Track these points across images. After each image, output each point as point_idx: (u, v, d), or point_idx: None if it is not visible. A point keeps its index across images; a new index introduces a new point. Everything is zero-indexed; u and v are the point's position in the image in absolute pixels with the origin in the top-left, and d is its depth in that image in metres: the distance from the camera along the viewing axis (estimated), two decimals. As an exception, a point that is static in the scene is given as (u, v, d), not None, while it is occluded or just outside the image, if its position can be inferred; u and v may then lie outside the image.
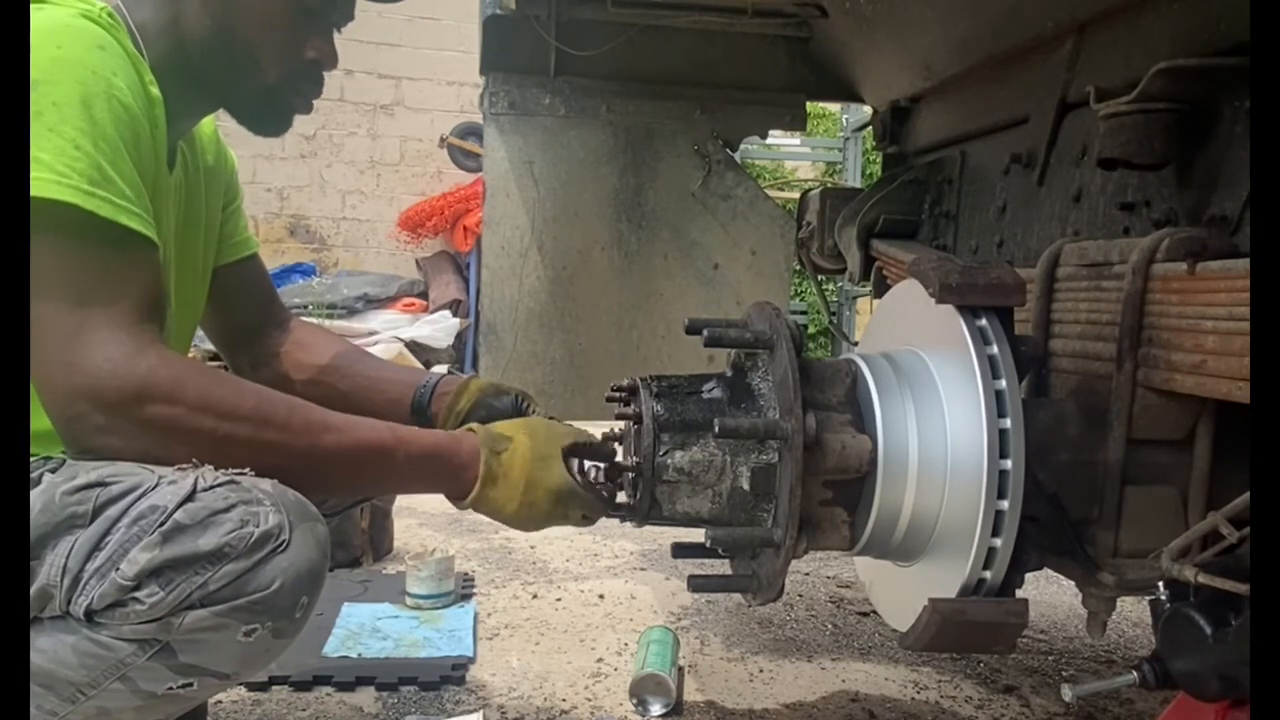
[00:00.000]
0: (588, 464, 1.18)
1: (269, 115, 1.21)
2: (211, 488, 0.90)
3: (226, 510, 0.89)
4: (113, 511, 0.88)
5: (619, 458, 1.20)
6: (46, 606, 0.89)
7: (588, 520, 1.17)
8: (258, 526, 0.89)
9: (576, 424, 1.34)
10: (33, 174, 0.87)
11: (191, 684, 0.93)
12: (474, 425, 1.15)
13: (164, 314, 1.00)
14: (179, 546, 0.87)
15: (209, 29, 1.12)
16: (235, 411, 0.95)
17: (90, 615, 0.88)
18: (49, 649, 0.89)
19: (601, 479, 1.18)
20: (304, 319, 1.51)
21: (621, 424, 1.21)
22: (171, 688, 0.92)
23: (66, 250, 0.91)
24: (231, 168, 1.40)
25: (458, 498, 1.11)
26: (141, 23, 1.10)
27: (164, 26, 1.11)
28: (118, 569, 0.86)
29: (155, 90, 1.04)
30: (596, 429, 1.31)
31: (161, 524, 0.87)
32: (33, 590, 0.88)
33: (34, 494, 0.90)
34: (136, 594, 0.86)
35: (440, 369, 5.60)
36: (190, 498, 0.88)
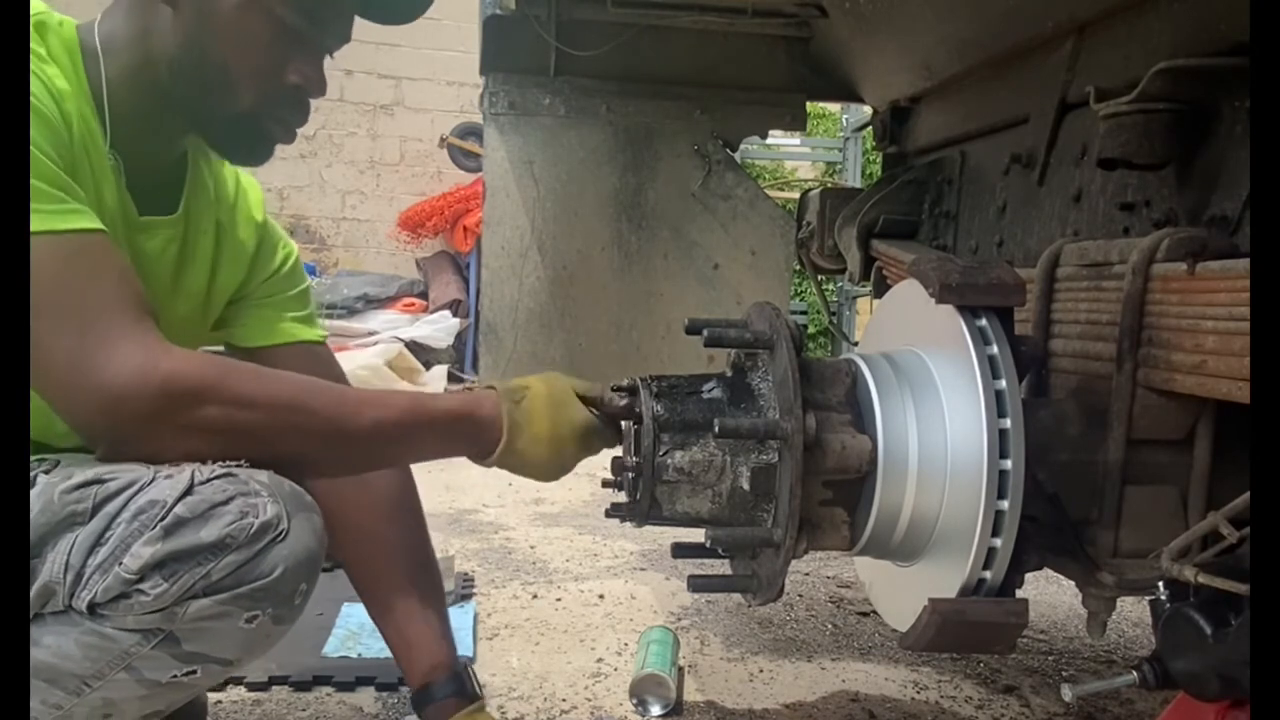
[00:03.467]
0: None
1: (244, 143, 1.13)
2: (209, 480, 0.90)
3: (226, 502, 0.89)
4: (111, 507, 0.89)
5: (621, 401, 1.18)
6: (49, 603, 0.90)
7: (606, 444, 1.17)
8: (257, 517, 0.90)
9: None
10: None
11: (195, 671, 0.94)
12: (494, 382, 1.15)
13: (144, 296, 0.97)
14: (181, 539, 0.88)
15: (179, 45, 1.04)
16: (264, 401, 0.96)
17: (93, 608, 0.89)
18: (52, 644, 0.90)
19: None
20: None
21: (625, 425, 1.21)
22: (175, 675, 0.93)
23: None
24: (281, 259, 1.31)
25: (484, 455, 1.10)
26: (109, 32, 1.05)
27: (133, 38, 1.05)
28: (121, 563, 0.87)
29: (62, 82, 0.98)
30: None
31: (162, 518, 0.87)
32: (35, 588, 0.89)
33: (31, 495, 0.91)
34: (140, 586, 0.87)
35: (439, 368, 5.61)
36: (189, 491, 0.89)
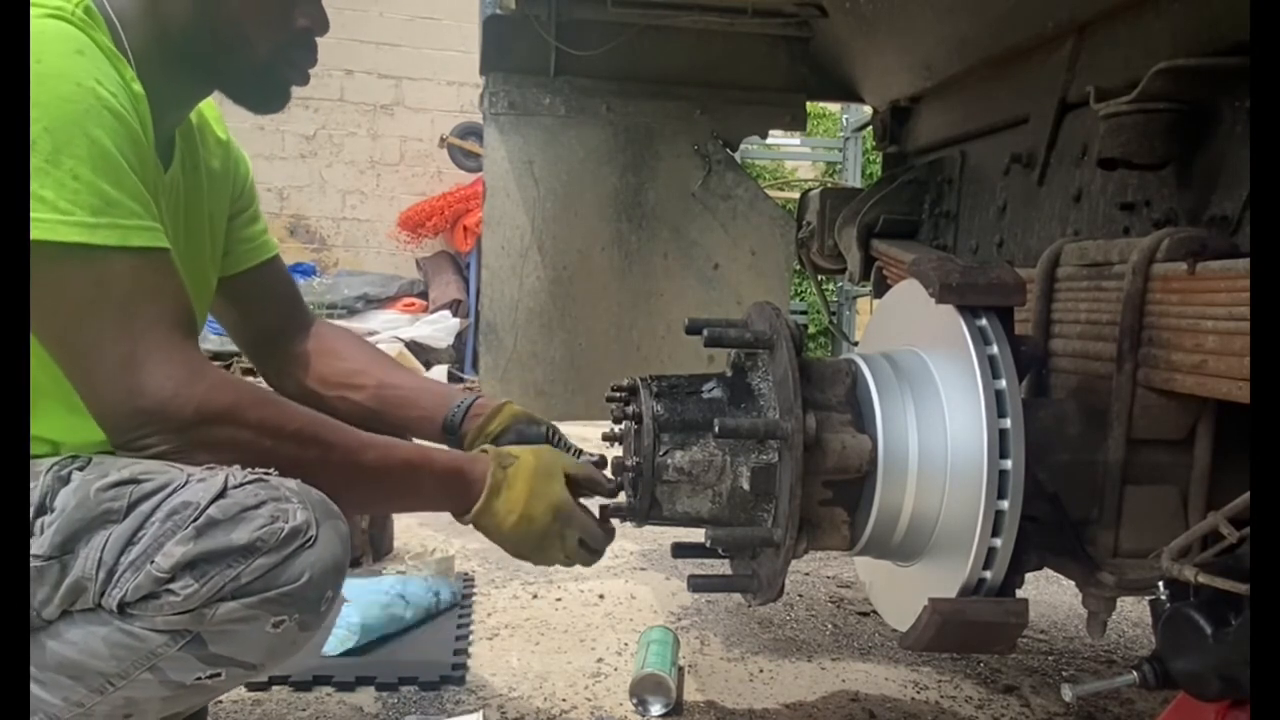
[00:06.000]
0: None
1: (265, 92, 1.17)
2: (241, 485, 0.92)
3: (257, 506, 0.91)
4: (146, 507, 0.90)
5: (619, 496, 1.23)
6: (79, 599, 0.91)
7: (586, 551, 1.20)
8: (287, 522, 0.92)
9: (576, 424, 1.34)
10: (36, 214, 0.88)
11: (219, 674, 0.95)
12: (488, 446, 1.20)
13: (195, 318, 1.02)
14: (213, 540, 0.89)
15: (191, 9, 1.07)
16: (281, 430, 0.99)
17: (123, 607, 0.90)
18: (79, 640, 0.92)
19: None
20: (326, 321, 1.49)
21: (620, 426, 1.21)
22: (200, 678, 0.95)
23: (90, 283, 0.92)
24: (244, 173, 1.36)
25: (464, 511, 1.14)
26: (120, 9, 1.05)
27: (143, 12, 1.07)
28: (153, 562, 0.88)
29: (138, 86, 1.01)
30: (596, 429, 1.31)
31: (195, 519, 0.89)
32: (66, 583, 0.90)
33: (67, 491, 0.93)
34: (171, 586, 0.88)
35: (439, 368, 5.61)
36: (222, 494, 0.91)
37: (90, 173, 0.90)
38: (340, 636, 1.77)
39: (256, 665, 0.97)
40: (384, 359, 1.45)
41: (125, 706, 0.95)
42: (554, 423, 1.37)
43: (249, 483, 0.93)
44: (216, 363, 1.49)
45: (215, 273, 1.31)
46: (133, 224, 0.94)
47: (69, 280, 0.91)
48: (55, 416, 1.01)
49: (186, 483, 0.92)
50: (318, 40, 1.17)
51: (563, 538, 1.16)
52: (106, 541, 0.90)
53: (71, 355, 0.94)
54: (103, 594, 0.90)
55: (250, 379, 1.19)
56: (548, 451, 1.20)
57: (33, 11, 0.94)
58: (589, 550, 1.20)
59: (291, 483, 0.96)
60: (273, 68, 1.14)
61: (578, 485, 1.18)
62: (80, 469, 0.95)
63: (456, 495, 1.14)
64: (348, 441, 1.05)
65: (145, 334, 0.93)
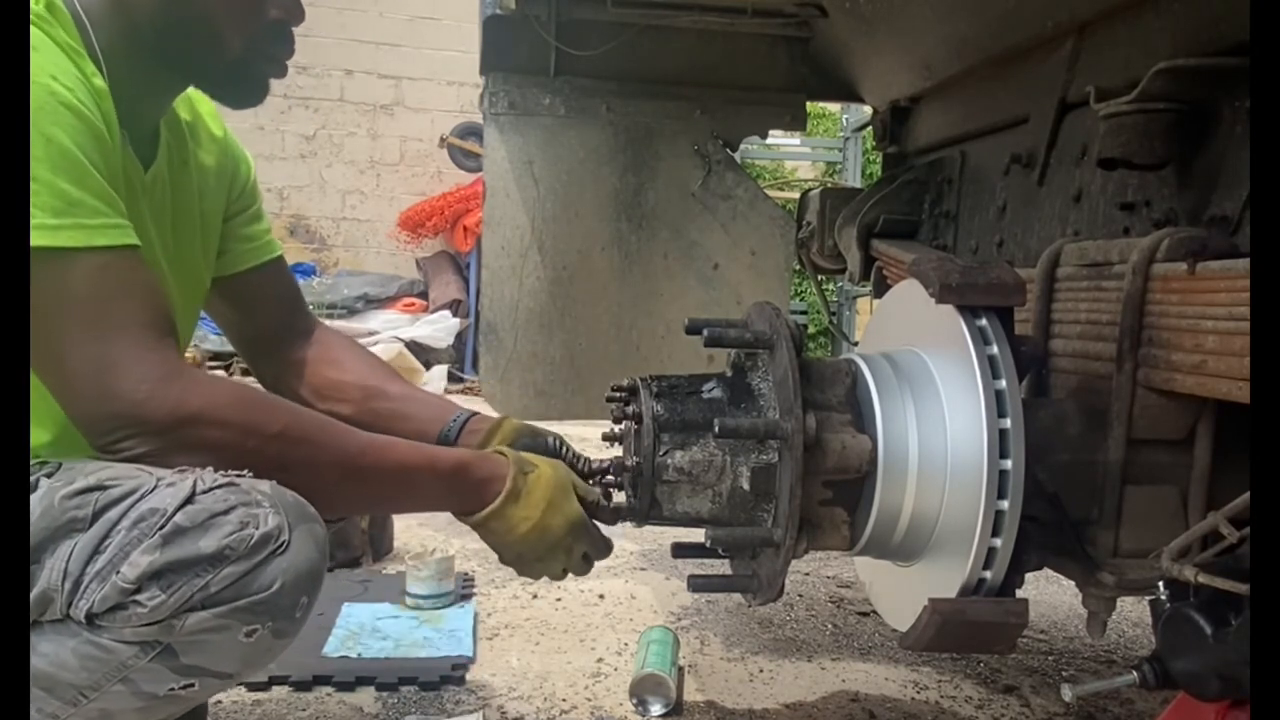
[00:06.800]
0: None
1: (241, 87, 1.14)
2: (210, 490, 0.89)
3: (226, 512, 0.88)
4: (112, 514, 0.88)
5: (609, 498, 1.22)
6: (47, 610, 0.89)
7: (587, 564, 1.20)
8: (258, 528, 0.89)
9: (576, 424, 1.34)
10: None
11: (193, 684, 0.93)
12: (503, 448, 1.18)
13: (171, 315, 0.99)
14: (179, 549, 0.86)
15: (159, 4, 1.04)
16: (264, 430, 0.96)
17: (91, 618, 0.87)
18: (50, 653, 0.89)
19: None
20: (326, 324, 1.46)
21: (620, 426, 1.21)
22: (173, 688, 0.92)
23: (57, 287, 0.90)
24: (244, 172, 1.34)
25: (472, 511, 1.12)
26: (88, 4, 1.02)
27: (111, 7, 1.04)
28: (118, 572, 0.86)
29: (99, 81, 0.98)
30: (596, 429, 1.31)
31: (162, 526, 0.86)
32: (33, 594, 0.88)
33: (32, 499, 0.90)
34: (137, 597, 0.86)
35: (439, 368, 5.60)
36: (190, 500, 0.88)
37: (49, 173, 0.88)
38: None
39: (232, 674, 0.94)
40: (382, 370, 1.42)
41: (99, 718, 0.92)
42: (556, 431, 1.35)
43: (218, 487, 0.89)
44: (216, 363, 1.48)
45: (209, 272, 1.29)
46: (97, 223, 0.91)
47: (35, 285, 0.88)
48: (37, 439, 1.00)
49: (154, 488, 0.89)
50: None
51: (570, 551, 1.16)
52: (72, 551, 0.87)
53: (43, 360, 0.91)
54: (70, 605, 0.87)
55: (247, 379, 1.17)
56: (563, 467, 1.18)
57: None
58: (588, 563, 1.20)
59: (264, 485, 0.92)
60: (247, 61, 1.10)
61: (584, 504, 1.18)
62: (48, 475, 0.93)
63: (462, 495, 1.11)
64: (341, 442, 1.02)
65: (116, 335, 0.90)
